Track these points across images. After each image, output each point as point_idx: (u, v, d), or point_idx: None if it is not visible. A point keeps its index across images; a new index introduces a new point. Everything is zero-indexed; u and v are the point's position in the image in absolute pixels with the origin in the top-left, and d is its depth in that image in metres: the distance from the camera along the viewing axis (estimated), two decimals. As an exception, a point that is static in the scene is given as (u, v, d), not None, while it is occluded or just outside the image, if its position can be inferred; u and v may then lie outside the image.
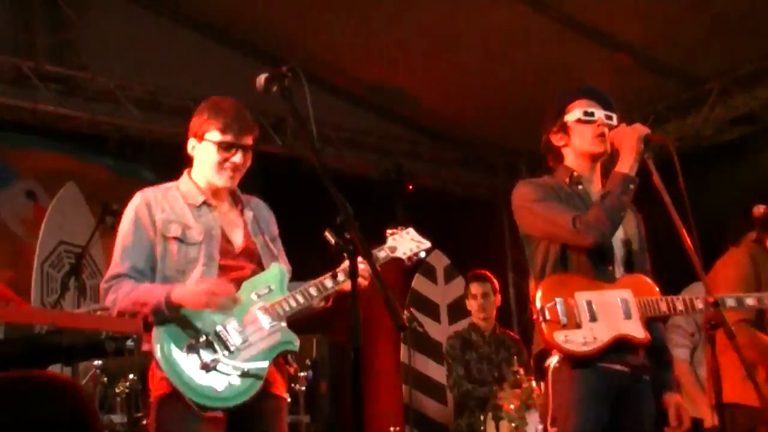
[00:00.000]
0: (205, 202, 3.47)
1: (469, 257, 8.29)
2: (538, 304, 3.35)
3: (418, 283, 8.79)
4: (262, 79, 3.05)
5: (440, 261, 8.99)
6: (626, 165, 3.44)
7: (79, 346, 3.08)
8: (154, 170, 8.12)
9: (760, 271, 4.54)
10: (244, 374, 3.19)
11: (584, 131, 3.57)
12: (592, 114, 3.57)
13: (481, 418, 5.99)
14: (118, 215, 5.54)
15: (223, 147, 3.42)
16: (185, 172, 3.60)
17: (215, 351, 3.18)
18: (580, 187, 3.59)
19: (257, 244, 3.51)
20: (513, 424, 5.60)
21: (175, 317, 3.19)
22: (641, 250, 3.65)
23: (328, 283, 3.44)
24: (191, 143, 3.53)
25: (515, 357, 6.22)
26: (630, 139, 3.45)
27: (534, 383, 5.79)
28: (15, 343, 2.85)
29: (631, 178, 3.43)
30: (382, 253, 3.59)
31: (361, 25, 7.84)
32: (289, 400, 3.65)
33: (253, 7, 7.93)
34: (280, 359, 3.40)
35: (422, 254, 3.73)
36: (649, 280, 3.55)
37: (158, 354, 3.13)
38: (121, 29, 7.92)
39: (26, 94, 7.33)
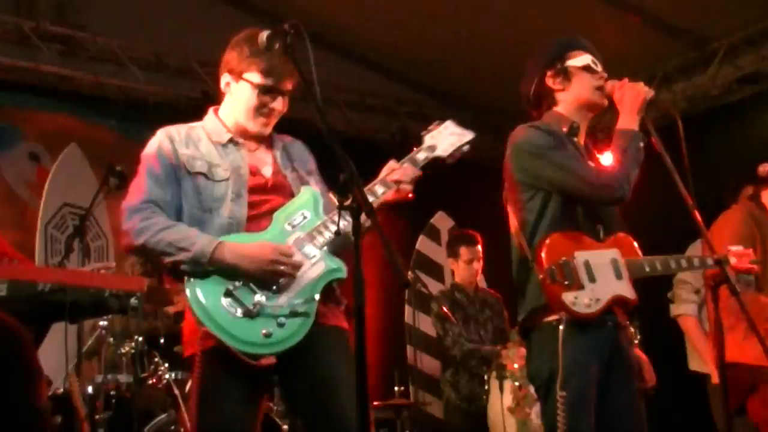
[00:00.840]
0: (231, 140, 3.23)
1: (473, 219, 8.27)
2: (544, 263, 3.27)
3: (423, 244, 8.78)
4: (264, 36, 3.00)
5: (445, 223, 8.98)
6: (633, 123, 3.38)
7: (83, 303, 3.03)
8: (158, 132, 8.09)
9: (756, 229, 4.47)
10: (293, 313, 2.95)
11: (589, 80, 3.50)
12: (596, 65, 3.52)
13: (485, 377, 6.01)
14: (122, 176, 5.59)
15: (263, 91, 3.18)
16: (210, 110, 3.34)
17: (255, 293, 2.94)
18: (575, 138, 3.50)
19: (288, 177, 3.27)
20: (517, 383, 5.62)
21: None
22: (617, 212, 3.60)
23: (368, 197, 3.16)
24: (225, 79, 3.26)
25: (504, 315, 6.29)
26: (636, 98, 3.39)
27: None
28: (18, 300, 2.83)
29: (641, 135, 3.38)
30: (420, 155, 3.28)
31: (367, -16, 7.78)
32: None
33: (256, -34, 7.87)
34: (331, 289, 3.14)
35: (465, 148, 3.37)
36: (632, 241, 3.51)
37: (195, 307, 2.89)
38: (124, -11, 7.87)
39: (28, 54, 7.29)
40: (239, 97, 3.22)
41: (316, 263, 3.04)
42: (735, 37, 7.69)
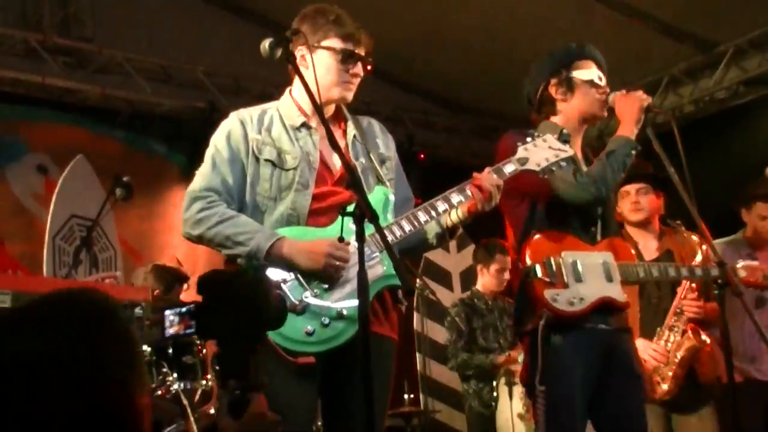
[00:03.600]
0: (304, 124, 3.16)
1: (481, 225, 8.24)
2: (528, 262, 3.29)
3: (431, 251, 8.74)
4: (266, 43, 3.01)
5: (453, 229, 8.94)
6: (629, 131, 3.42)
7: (88, 314, 3.00)
8: (165, 143, 8.12)
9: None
10: (340, 315, 2.89)
11: (592, 94, 3.52)
12: (601, 79, 3.54)
13: (494, 383, 5.98)
14: (128, 187, 5.58)
15: (345, 55, 3.14)
16: (286, 91, 3.28)
17: (305, 289, 2.89)
18: (567, 146, 3.45)
19: (358, 168, 3.14)
20: (526, 390, 5.59)
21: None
22: (614, 216, 3.61)
23: (440, 205, 3.06)
24: (300, 53, 3.13)
25: None
26: (632, 107, 3.44)
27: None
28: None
29: (634, 143, 3.41)
30: (508, 167, 3.15)
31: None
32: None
33: (261, -24, 7.88)
34: (385, 295, 3.07)
35: (563, 164, 3.20)
36: (628, 245, 3.53)
37: None
38: (129, 1, 7.89)
39: (35, 67, 7.32)
40: (319, 65, 3.12)
41: (372, 267, 2.91)
42: (741, 40, 7.68)
